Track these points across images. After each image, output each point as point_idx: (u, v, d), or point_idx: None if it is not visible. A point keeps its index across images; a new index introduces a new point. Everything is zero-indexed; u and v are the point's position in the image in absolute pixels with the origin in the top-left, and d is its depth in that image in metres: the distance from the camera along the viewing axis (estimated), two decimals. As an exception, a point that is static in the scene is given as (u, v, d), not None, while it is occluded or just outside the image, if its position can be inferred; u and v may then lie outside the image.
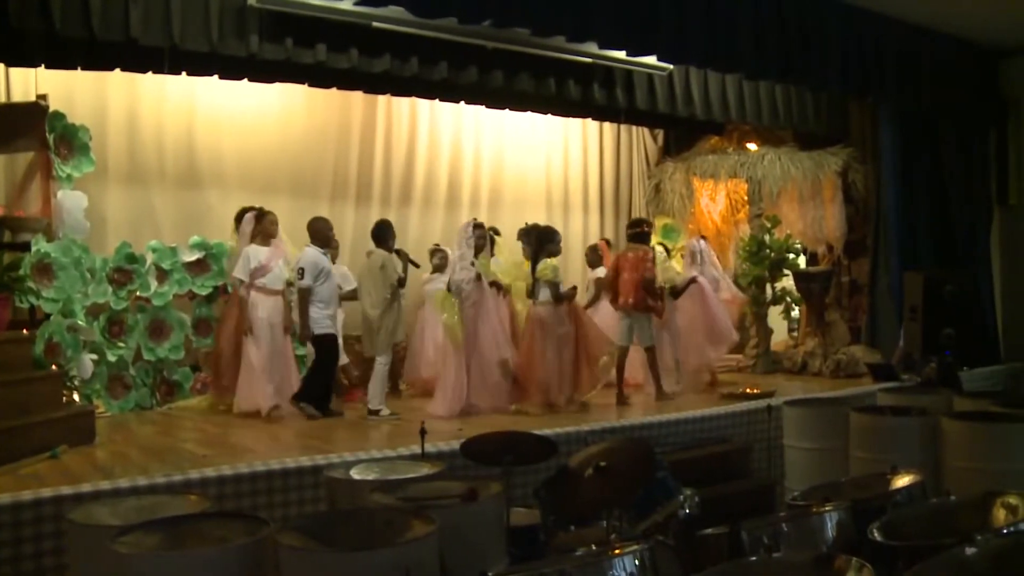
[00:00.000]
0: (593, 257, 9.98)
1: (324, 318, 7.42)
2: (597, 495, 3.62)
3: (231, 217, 8.41)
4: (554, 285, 7.58)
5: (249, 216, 7.82)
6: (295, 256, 7.80)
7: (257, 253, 7.63)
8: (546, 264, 7.60)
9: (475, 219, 8.15)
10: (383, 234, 7.76)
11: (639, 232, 8.36)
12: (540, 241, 7.83)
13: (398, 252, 7.74)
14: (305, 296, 7.35)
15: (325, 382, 7.59)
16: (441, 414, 7.22)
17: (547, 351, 7.49)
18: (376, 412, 7.37)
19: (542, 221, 11.05)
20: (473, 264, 7.62)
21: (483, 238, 7.91)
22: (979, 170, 10.70)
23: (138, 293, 8.15)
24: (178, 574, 2.88)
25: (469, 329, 7.51)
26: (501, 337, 7.71)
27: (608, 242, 10.55)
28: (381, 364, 7.50)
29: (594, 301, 9.33)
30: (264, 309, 7.57)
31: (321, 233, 7.62)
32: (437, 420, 6.82)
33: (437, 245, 9.40)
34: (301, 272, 7.36)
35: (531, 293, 7.73)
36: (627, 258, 8.15)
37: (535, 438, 4.44)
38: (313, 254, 7.46)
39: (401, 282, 7.61)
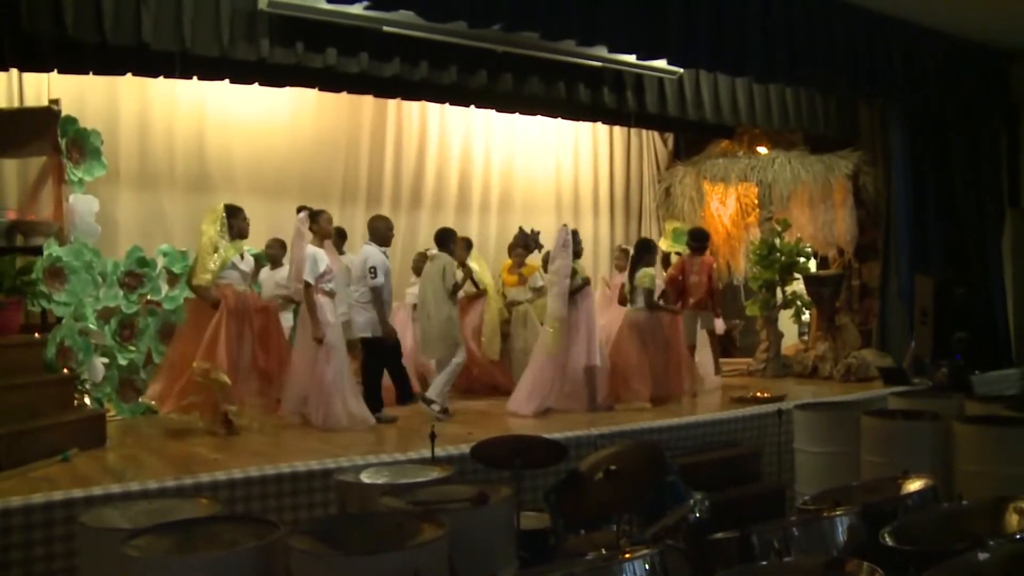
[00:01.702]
0: None
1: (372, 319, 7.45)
2: (607, 499, 3.61)
3: None
4: (649, 292, 8.18)
5: (303, 216, 7.35)
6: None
7: (322, 255, 7.20)
8: (644, 273, 8.20)
9: (532, 228, 9.07)
10: (446, 239, 7.91)
11: (703, 245, 9.44)
12: (639, 251, 8.51)
13: (464, 267, 8.09)
14: (380, 295, 7.35)
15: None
16: (525, 412, 7.50)
17: (641, 353, 8.04)
18: (430, 403, 7.43)
19: (552, 225, 11.09)
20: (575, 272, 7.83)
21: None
22: (990, 172, 10.66)
23: (149, 296, 8.16)
24: (188, 577, 2.88)
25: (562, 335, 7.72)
26: (592, 344, 7.82)
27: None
28: (456, 364, 7.66)
29: None
30: (332, 314, 7.16)
31: (380, 232, 7.61)
32: (515, 417, 7.44)
33: (427, 250, 9.29)
34: (373, 271, 7.31)
35: (628, 299, 8.32)
36: (693, 264, 9.20)
37: (545, 442, 4.44)
38: (379, 253, 7.46)
39: (456, 288, 7.75)
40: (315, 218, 7.32)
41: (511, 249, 9.40)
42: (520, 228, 9.31)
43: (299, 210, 7.35)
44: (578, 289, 7.80)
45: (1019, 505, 3.05)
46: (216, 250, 6.89)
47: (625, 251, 9.95)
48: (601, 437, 6.12)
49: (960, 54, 9.77)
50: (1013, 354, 10.56)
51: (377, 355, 7.55)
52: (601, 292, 10.23)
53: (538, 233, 9.16)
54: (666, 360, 8.31)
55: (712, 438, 6.93)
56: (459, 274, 7.99)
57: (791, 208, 10.85)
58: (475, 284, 8.98)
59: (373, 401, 7.31)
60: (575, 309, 7.79)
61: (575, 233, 8.04)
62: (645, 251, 8.47)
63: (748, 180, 10.89)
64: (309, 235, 7.18)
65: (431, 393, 7.52)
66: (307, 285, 7.00)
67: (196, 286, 6.89)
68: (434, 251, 7.95)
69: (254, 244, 7.86)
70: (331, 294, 7.19)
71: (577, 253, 7.93)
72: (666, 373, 8.26)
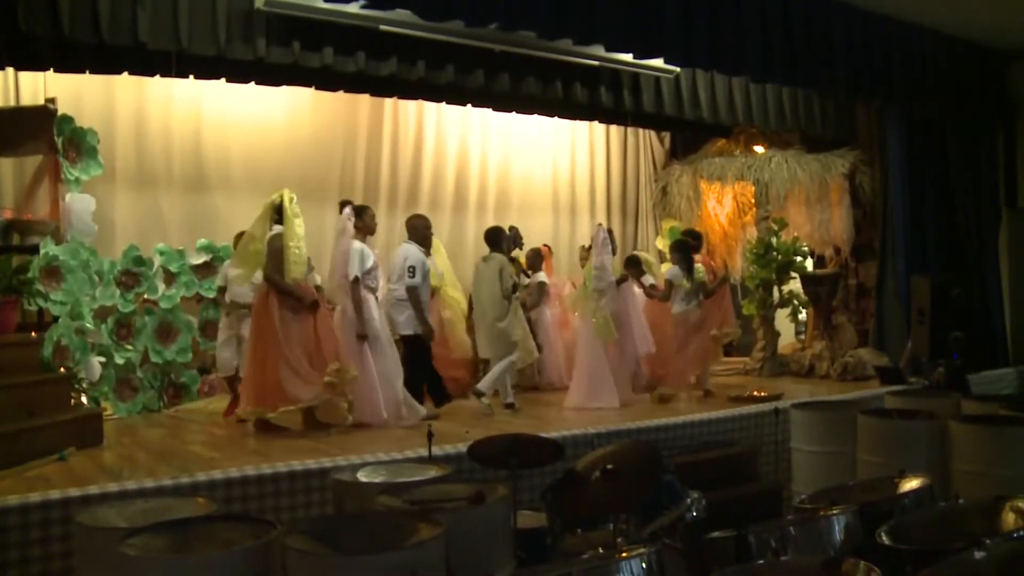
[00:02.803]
0: (535, 260, 9.79)
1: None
2: (604, 498, 3.61)
3: (238, 220, 8.30)
4: (703, 285, 8.73)
5: (348, 211, 7.26)
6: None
7: (368, 250, 7.17)
8: (699, 268, 8.72)
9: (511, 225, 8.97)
10: (497, 238, 8.01)
11: (697, 244, 9.56)
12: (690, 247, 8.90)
13: (512, 260, 8.13)
14: (417, 294, 7.36)
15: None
16: (602, 404, 7.71)
17: (690, 343, 8.53)
18: (480, 395, 7.54)
19: (549, 224, 11.14)
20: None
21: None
22: (987, 173, 10.68)
23: (146, 296, 8.17)
24: (185, 577, 2.88)
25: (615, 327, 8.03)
26: (640, 335, 8.27)
27: (549, 247, 10.22)
28: (509, 361, 7.76)
29: (536, 305, 9.32)
30: (376, 310, 7.19)
31: (420, 231, 7.66)
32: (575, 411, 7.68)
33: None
34: (412, 270, 7.33)
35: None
36: None
37: (542, 441, 4.44)
38: (418, 252, 7.49)
39: (515, 288, 7.90)
40: (360, 214, 7.30)
41: None
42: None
43: (344, 205, 7.32)
44: (620, 282, 8.27)
45: (1015, 504, 3.05)
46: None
47: (536, 251, 9.88)
48: (598, 436, 6.13)
49: (958, 54, 9.79)
50: (1009, 354, 10.57)
51: (420, 353, 7.59)
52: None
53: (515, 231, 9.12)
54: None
55: (709, 437, 6.93)
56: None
57: (788, 207, 10.86)
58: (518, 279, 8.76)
59: (425, 396, 7.49)
60: (622, 301, 8.19)
61: (610, 232, 8.48)
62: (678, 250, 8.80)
63: (745, 179, 10.89)
64: (352, 231, 7.14)
65: (482, 386, 7.64)
66: (355, 280, 6.98)
67: (292, 282, 6.66)
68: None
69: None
70: (375, 290, 7.21)
71: (612, 251, 8.34)
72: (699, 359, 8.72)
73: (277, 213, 6.80)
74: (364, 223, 7.29)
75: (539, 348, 8.98)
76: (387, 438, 6.34)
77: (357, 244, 7.08)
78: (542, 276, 9.41)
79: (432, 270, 8.03)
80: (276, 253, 6.63)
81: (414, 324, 7.42)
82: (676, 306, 8.52)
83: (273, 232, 6.74)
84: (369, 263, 7.06)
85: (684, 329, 8.48)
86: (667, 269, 8.97)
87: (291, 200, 6.81)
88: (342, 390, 6.69)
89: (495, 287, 7.70)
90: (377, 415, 6.92)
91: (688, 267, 8.56)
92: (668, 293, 8.57)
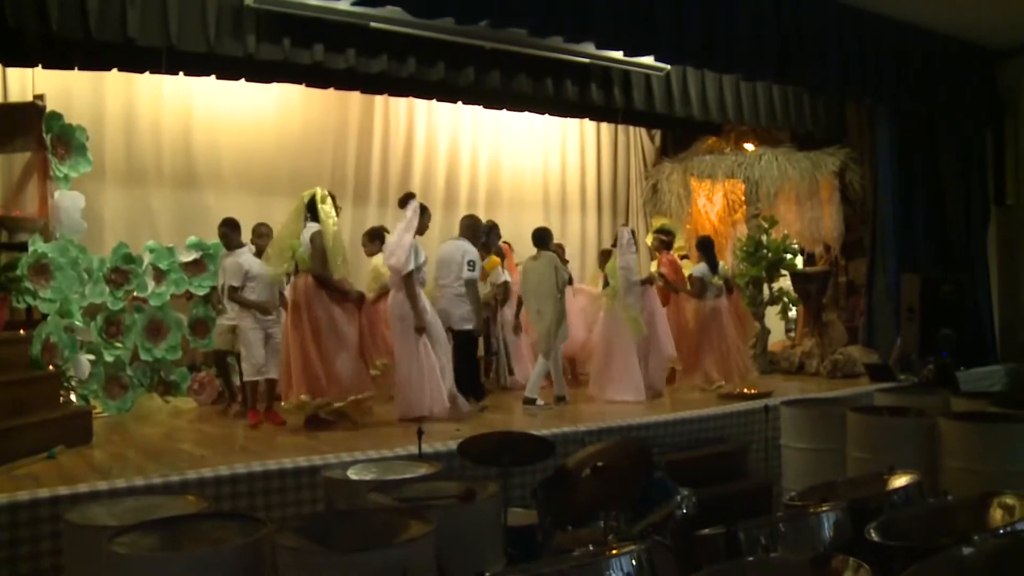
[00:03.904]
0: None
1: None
2: (594, 495, 3.62)
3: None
4: (727, 281, 9.18)
5: (416, 205, 7.23)
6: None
7: (419, 247, 7.18)
8: (723, 266, 9.16)
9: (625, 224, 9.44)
10: (547, 237, 8.23)
11: (669, 242, 9.81)
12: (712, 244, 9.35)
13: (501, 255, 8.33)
14: (476, 289, 7.54)
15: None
16: (629, 398, 7.97)
17: (715, 338, 8.99)
18: (532, 401, 7.71)
19: (539, 221, 11.08)
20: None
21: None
22: (976, 170, 10.72)
23: (135, 293, 8.14)
24: (175, 575, 2.87)
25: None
26: (664, 335, 8.57)
27: (509, 245, 9.98)
28: (553, 358, 7.91)
29: (504, 304, 9.28)
30: (427, 303, 7.23)
31: (472, 229, 7.77)
32: (620, 404, 7.84)
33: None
34: (472, 264, 7.44)
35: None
36: (662, 259, 9.68)
37: (532, 438, 4.44)
38: (474, 248, 7.61)
39: (569, 282, 8.25)
40: (422, 212, 7.34)
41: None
42: (382, 227, 8.89)
43: (409, 198, 7.31)
44: (645, 283, 8.52)
45: (1003, 501, 3.06)
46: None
47: (498, 249, 9.80)
48: (588, 434, 6.13)
49: (947, 53, 9.82)
50: (998, 351, 10.61)
51: (471, 347, 7.73)
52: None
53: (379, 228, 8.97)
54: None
55: (699, 434, 6.94)
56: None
57: (778, 205, 10.89)
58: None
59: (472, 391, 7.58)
60: (648, 301, 8.44)
61: (633, 233, 8.62)
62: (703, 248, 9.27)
63: (735, 177, 10.92)
64: (416, 225, 7.18)
65: (529, 392, 7.80)
66: (409, 274, 7.01)
67: (339, 279, 6.76)
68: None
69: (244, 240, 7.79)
70: (423, 285, 7.26)
71: (636, 251, 8.56)
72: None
73: (310, 211, 6.84)
74: (422, 222, 7.36)
75: (494, 348, 9.23)
76: (377, 435, 6.33)
77: (416, 243, 7.19)
78: (506, 275, 9.32)
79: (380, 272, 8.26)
80: (321, 251, 6.70)
81: (471, 319, 7.52)
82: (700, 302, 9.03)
83: (313, 229, 6.77)
84: (421, 258, 7.14)
85: (711, 324, 8.98)
86: (695, 267, 9.23)
87: (323, 198, 6.86)
88: (384, 383, 6.81)
89: (550, 284, 7.85)
90: (429, 407, 6.96)
91: (713, 264, 9.00)
92: (701, 290, 8.99)
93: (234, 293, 7.16)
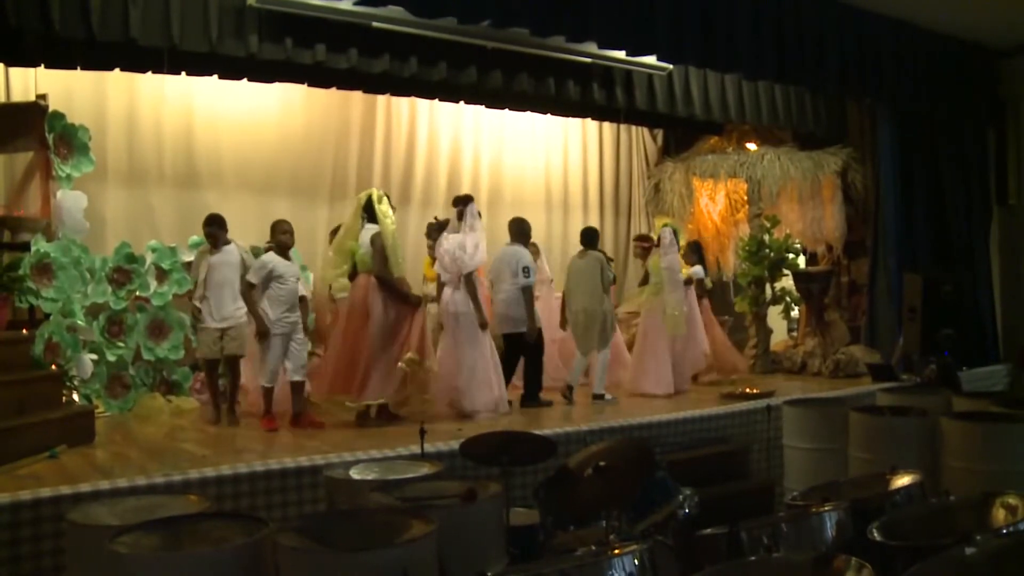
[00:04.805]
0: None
1: None
2: (596, 495, 3.62)
3: (230, 216, 7.86)
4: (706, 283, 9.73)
5: (475, 208, 7.33)
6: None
7: None
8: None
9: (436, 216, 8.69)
10: (595, 237, 8.46)
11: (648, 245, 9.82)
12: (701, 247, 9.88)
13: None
14: (532, 294, 7.69)
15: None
16: (659, 392, 8.29)
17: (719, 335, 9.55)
18: (600, 396, 7.99)
19: (542, 221, 11.12)
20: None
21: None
22: (978, 170, 10.70)
23: (137, 293, 8.14)
24: (177, 574, 2.88)
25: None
26: (699, 332, 8.94)
27: None
28: (605, 354, 8.12)
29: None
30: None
31: (522, 233, 7.90)
32: (651, 398, 8.20)
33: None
34: (527, 271, 7.58)
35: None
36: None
37: (534, 438, 4.44)
38: (528, 253, 7.74)
39: (614, 281, 8.54)
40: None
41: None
42: (435, 218, 8.58)
43: (469, 200, 7.33)
44: (686, 283, 8.80)
45: (1005, 500, 3.07)
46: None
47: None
48: (590, 433, 6.13)
49: (949, 52, 9.81)
50: (1000, 350, 10.60)
51: (533, 347, 7.80)
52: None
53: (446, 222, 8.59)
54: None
55: (701, 434, 6.94)
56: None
57: (780, 204, 10.87)
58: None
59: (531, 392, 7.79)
60: (689, 299, 8.72)
61: (675, 232, 8.85)
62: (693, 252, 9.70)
63: (737, 176, 10.90)
64: (479, 227, 7.29)
65: (596, 390, 8.05)
66: (468, 274, 7.13)
67: (397, 279, 6.83)
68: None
69: (245, 240, 7.81)
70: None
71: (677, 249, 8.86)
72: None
73: (367, 212, 6.89)
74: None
75: None
76: (379, 435, 6.34)
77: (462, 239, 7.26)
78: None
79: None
80: (381, 252, 6.76)
81: (524, 322, 7.62)
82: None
83: (372, 231, 6.81)
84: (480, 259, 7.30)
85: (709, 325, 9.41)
86: (693, 269, 9.39)
87: (380, 198, 6.92)
88: (414, 381, 6.85)
89: (596, 283, 8.00)
90: (479, 404, 7.10)
91: (705, 266, 9.62)
92: (702, 290, 9.45)
93: (250, 290, 6.85)
